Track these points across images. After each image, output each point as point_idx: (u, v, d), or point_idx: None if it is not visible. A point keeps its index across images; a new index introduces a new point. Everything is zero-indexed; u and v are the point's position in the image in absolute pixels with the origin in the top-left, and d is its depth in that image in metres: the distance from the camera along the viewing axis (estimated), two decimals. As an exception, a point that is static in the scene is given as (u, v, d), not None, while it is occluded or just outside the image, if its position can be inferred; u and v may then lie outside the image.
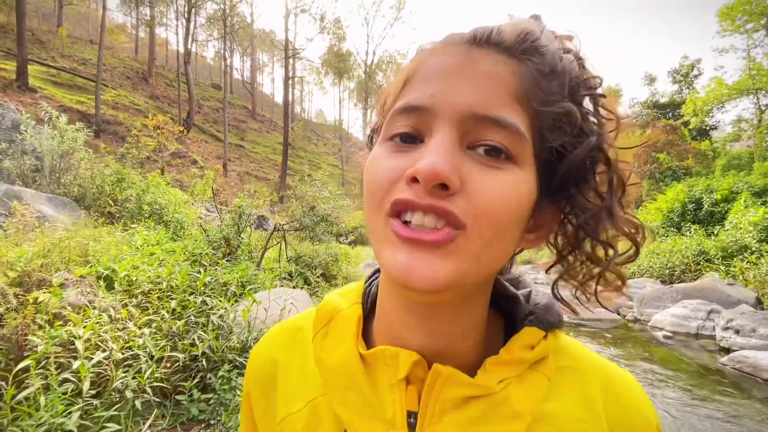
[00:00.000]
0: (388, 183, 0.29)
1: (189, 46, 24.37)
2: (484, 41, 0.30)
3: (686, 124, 19.32)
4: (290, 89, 30.36)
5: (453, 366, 0.32)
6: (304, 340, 0.42)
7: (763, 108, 18.04)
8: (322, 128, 51.65)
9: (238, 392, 2.39)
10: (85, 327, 2.15)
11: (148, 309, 2.80)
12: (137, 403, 2.17)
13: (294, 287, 4.56)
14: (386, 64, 42.73)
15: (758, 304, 5.73)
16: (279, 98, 52.83)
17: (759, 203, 9.40)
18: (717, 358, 4.24)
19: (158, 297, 2.96)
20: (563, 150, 0.31)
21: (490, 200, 0.28)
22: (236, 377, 2.51)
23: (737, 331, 4.55)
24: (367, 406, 0.34)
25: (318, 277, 5.83)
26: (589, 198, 0.32)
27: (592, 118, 0.32)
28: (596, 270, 0.33)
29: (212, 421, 2.32)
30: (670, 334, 5.16)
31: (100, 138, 16.51)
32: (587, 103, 0.32)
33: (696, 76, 25.22)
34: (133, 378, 2.16)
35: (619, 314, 6.42)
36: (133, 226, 5.13)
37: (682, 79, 25.51)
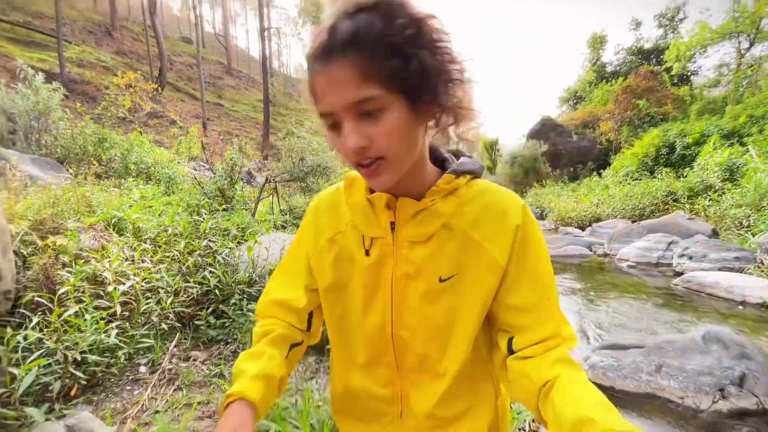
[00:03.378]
0: (344, 154, 0.53)
1: (153, -5, 22.60)
2: (330, 57, 0.48)
3: (668, 70, 19.41)
4: (267, 42, 28.80)
5: (409, 197, 0.60)
6: (335, 196, 0.71)
7: (743, 52, 18.15)
8: (303, 83, 49.61)
9: (250, 316, 2.72)
10: (110, 260, 2.40)
11: (158, 252, 3.04)
12: (164, 326, 2.48)
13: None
14: (366, 12, 40.57)
15: (714, 234, 6.31)
16: (255, 52, 50.14)
17: (726, 145, 9.88)
18: (671, 281, 4.80)
19: (165, 242, 3.20)
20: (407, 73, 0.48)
21: (384, 136, 0.50)
22: (247, 304, 2.83)
23: (690, 257, 5.09)
24: (371, 221, 0.63)
25: (310, 227, 6.08)
26: (433, 81, 0.50)
27: (410, 41, 0.47)
28: (452, 114, 0.54)
29: (229, 341, 2.66)
30: (634, 264, 5.71)
31: (70, 99, 15.73)
32: (402, 35, 0.47)
33: (681, 20, 24.87)
34: (157, 303, 2.45)
35: (591, 250, 6.97)
36: (125, 183, 5.23)
37: (667, 23, 25.13)
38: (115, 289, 2.17)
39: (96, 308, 2.23)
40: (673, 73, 19.06)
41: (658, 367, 2.32)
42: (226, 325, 2.74)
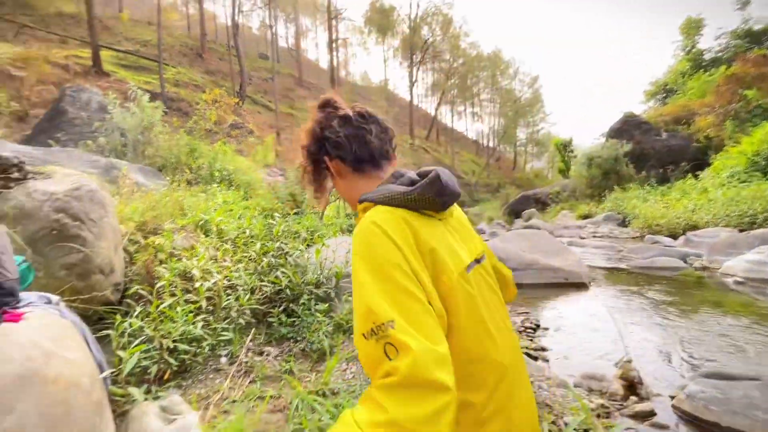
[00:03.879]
0: None
1: (236, 18, 24.93)
2: None
3: (786, 52, 16.51)
4: (335, 52, 30.14)
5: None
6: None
7: None
8: (368, 90, 51.15)
9: (317, 316, 2.83)
10: (197, 259, 2.66)
11: (237, 252, 3.31)
12: (242, 321, 2.68)
13: (354, 238, 4.97)
14: (431, 17, 40.53)
15: None
16: (324, 63, 52.70)
17: None
18: (794, 302, 4.03)
19: (244, 243, 3.47)
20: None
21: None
22: (314, 305, 2.95)
23: (822, 275, 4.23)
24: None
25: (374, 231, 6.20)
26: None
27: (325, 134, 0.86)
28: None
29: (298, 339, 2.80)
30: (742, 280, 4.91)
31: (168, 115, 17.88)
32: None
33: (804, -8, 21.08)
34: (236, 300, 2.66)
35: (686, 262, 6.15)
36: (210, 188, 5.79)
37: (785, -3, 21.46)
38: (201, 285, 2.39)
39: (186, 302, 2.49)
40: (793, 56, 16.16)
41: (780, 404, 1.94)
42: (296, 324, 2.88)
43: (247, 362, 2.44)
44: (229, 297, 2.71)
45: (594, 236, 10.99)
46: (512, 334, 0.79)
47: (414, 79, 40.92)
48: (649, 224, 9.96)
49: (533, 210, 20.58)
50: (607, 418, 2.10)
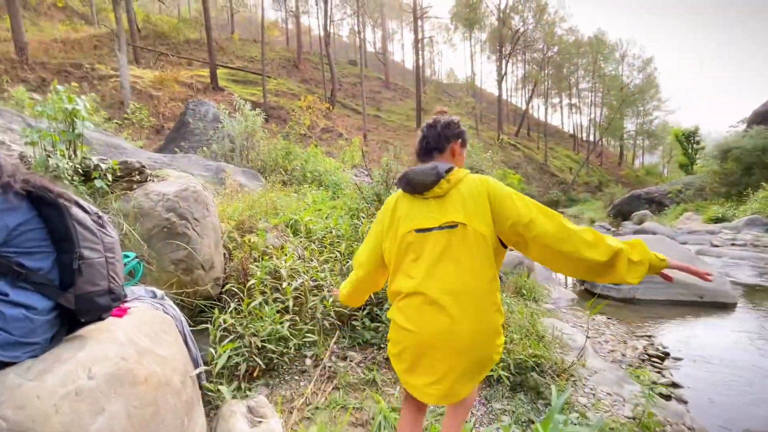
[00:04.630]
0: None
1: (328, 28, 26.42)
2: None
3: None
4: (420, 52, 30.08)
5: None
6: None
7: None
8: (453, 88, 50.06)
9: (402, 324, 2.67)
10: (285, 259, 2.70)
11: (323, 252, 3.32)
12: (326, 323, 2.65)
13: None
14: (523, 4, 37.99)
15: None
16: (409, 64, 53.07)
17: None
18: None
19: (330, 242, 3.48)
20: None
21: None
22: (399, 311, 2.80)
23: None
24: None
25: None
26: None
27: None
28: None
29: (382, 345, 2.67)
30: None
31: (269, 122, 19.67)
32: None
33: None
34: (321, 302, 2.63)
35: None
36: (301, 189, 6.07)
37: None
38: (288, 285, 2.40)
39: (274, 300, 2.53)
40: None
41: None
42: (380, 329, 2.76)
43: (330, 367, 2.38)
44: (315, 297, 2.69)
45: (733, 244, 9.02)
46: (462, 278, 1.12)
47: (503, 73, 38.79)
48: (818, 231, 7.81)
49: (646, 212, 17.81)
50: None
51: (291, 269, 2.80)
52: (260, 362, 2.10)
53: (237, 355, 2.14)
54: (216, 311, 2.37)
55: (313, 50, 39.50)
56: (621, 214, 19.62)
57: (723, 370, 2.71)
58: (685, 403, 2.26)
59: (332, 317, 2.69)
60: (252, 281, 2.42)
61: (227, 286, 2.58)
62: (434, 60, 58.19)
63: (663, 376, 2.58)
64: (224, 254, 2.96)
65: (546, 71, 43.44)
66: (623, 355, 2.87)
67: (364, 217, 3.97)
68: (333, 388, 2.19)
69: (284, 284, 2.50)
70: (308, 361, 2.41)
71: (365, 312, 2.90)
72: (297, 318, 2.54)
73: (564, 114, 61.88)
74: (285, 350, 2.34)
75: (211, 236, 2.63)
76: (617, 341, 3.13)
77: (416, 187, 1.20)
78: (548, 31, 39.42)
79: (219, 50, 28.65)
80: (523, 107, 45.81)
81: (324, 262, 3.07)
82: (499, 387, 2.10)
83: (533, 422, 1.81)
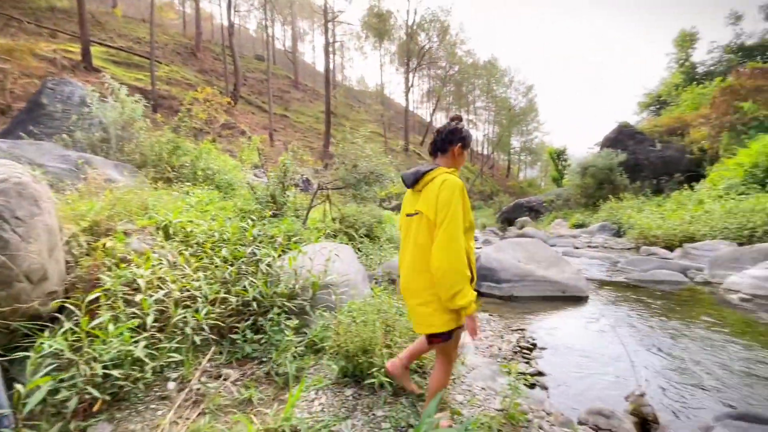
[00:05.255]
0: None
1: (232, 18, 24.64)
2: None
3: (781, 66, 16.54)
4: (331, 56, 29.91)
5: None
6: None
7: None
8: (363, 95, 50.95)
9: (287, 334, 2.49)
10: (146, 266, 2.30)
11: (203, 257, 2.95)
12: (196, 339, 2.32)
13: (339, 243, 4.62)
14: (428, 23, 40.53)
15: None
16: (320, 66, 52.47)
17: None
18: (806, 323, 3.77)
19: (211, 247, 3.11)
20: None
21: None
22: (284, 320, 2.61)
23: (834, 294, 3.98)
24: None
25: (362, 236, 5.88)
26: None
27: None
28: None
29: (264, 359, 2.45)
30: (748, 297, 4.66)
31: (157, 112, 17.44)
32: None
33: (796, 9, 21.38)
34: (192, 316, 2.31)
35: (686, 276, 5.90)
36: (184, 187, 5.42)
37: (778, 14, 21.76)
38: (144, 298, 2.04)
39: (130, 316, 2.13)
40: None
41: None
42: (263, 341, 2.54)
43: (198, 389, 2.08)
44: (186, 310, 2.35)
45: (589, 246, 10.75)
46: (413, 258, 1.67)
47: (410, 85, 40.79)
48: (645, 235, 9.74)
49: (527, 218, 20.40)
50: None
51: (157, 278, 2.41)
52: (97, 394, 1.72)
53: (70, 387, 1.73)
54: (46, 334, 1.90)
55: (214, 40, 36.43)
56: (507, 220, 22.12)
57: (576, 356, 3.11)
58: (546, 389, 2.51)
59: (205, 332, 2.38)
60: (93, 295, 2.00)
61: (68, 302, 2.10)
62: (345, 65, 58.53)
63: (530, 365, 2.85)
64: (66, 262, 2.43)
65: (448, 88, 46.94)
66: (499, 349, 3.12)
67: (254, 220, 3.66)
68: (198, 414, 1.91)
69: (140, 297, 2.12)
70: (171, 385, 2.08)
71: (249, 323, 2.64)
72: (159, 336, 2.18)
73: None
74: (140, 375, 1.98)
75: (43, 240, 2.12)
76: (495, 336, 3.40)
77: (406, 183, 1.74)
78: (450, 51, 42.71)
79: (96, 25, 24.63)
80: (428, 119, 48.79)
81: (199, 270, 2.72)
82: (381, 393, 2.06)
83: (412, 426, 1.80)
